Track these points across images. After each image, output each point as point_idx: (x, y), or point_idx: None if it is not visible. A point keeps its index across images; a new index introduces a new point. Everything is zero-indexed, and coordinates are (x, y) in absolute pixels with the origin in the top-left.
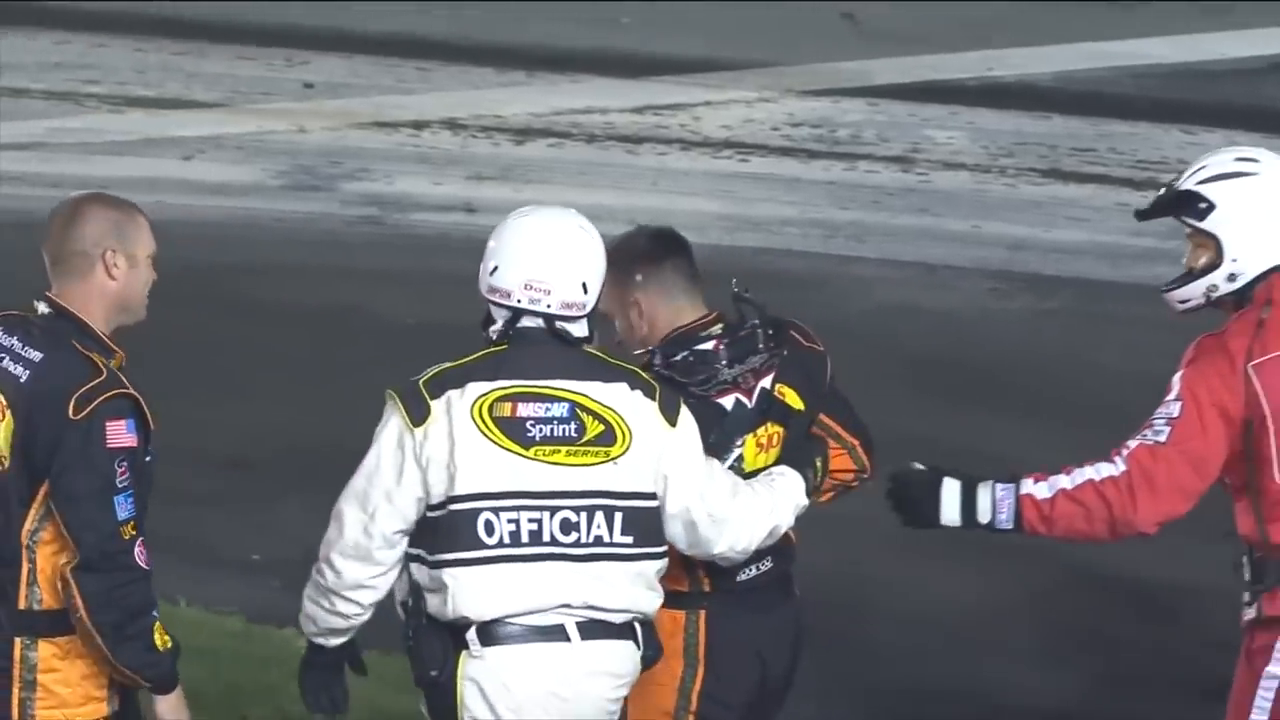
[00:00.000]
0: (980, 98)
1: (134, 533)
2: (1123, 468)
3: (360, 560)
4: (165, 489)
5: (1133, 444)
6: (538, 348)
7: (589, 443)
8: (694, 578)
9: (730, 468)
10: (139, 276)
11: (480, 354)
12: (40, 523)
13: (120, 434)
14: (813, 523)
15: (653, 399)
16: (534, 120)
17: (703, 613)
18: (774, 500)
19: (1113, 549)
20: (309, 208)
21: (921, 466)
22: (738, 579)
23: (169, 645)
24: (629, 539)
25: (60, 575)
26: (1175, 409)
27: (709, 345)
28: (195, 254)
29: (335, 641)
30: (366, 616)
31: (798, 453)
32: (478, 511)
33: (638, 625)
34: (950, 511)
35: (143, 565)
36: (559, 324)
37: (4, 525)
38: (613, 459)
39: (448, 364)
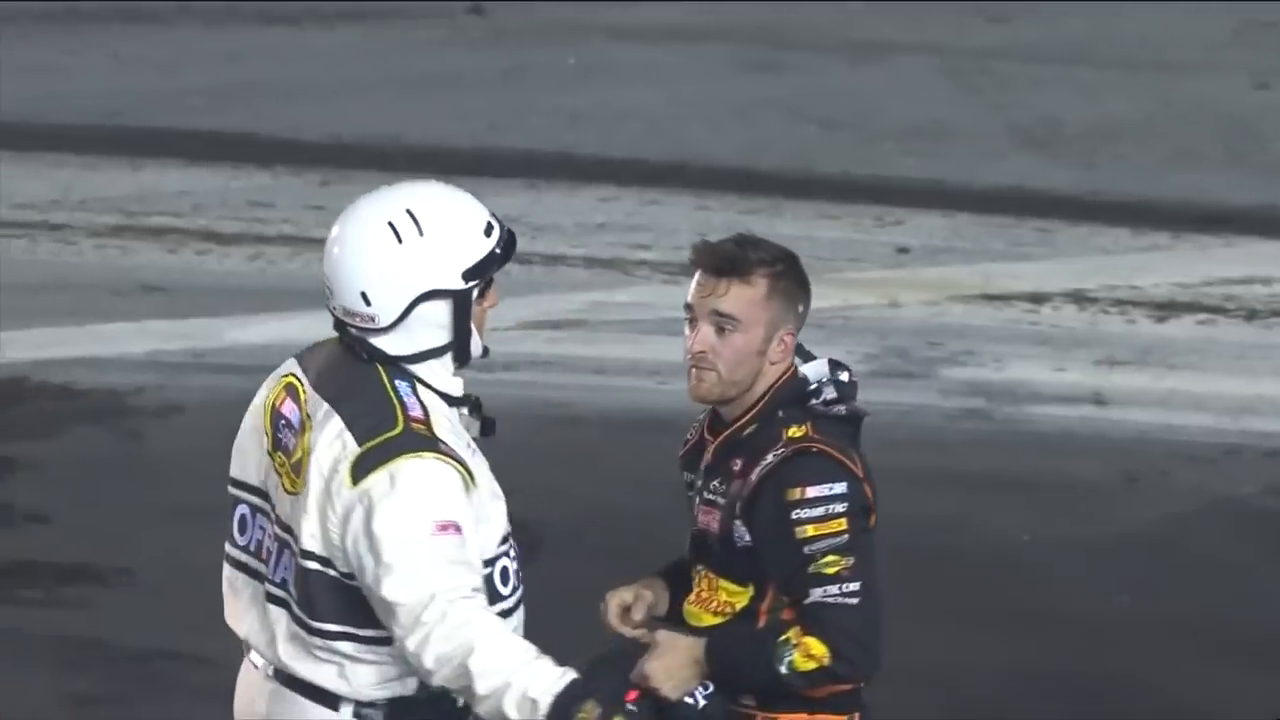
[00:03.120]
0: None
1: None
2: None
3: None
4: None
5: None
6: (334, 346)
7: (293, 467)
8: None
9: None
10: None
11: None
12: None
13: None
14: None
15: (359, 445)
16: (1179, 292)
17: (858, 715)
18: (484, 646)
19: None
20: (902, 398)
21: None
22: None
23: None
24: (299, 596)
25: None
26: None
27: (846, 376)
28: None
29: None
30: None
31: (603, 673)
32: (236, 501)
33: (344, 701)
34: None
35: None
36: (353, 331)
37: None
38: (296, 494)
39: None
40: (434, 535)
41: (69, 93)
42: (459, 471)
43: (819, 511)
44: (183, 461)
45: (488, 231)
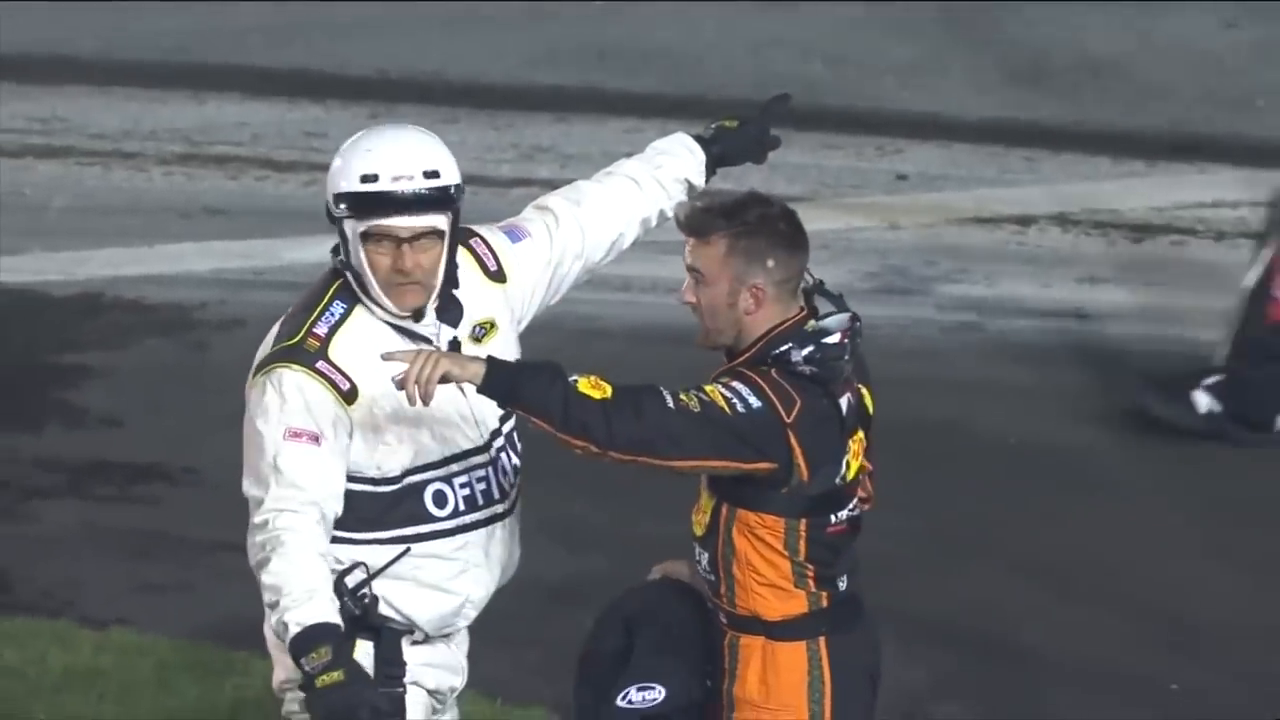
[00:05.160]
0: None
1: None
2: None
3: None
4: None
5: None
6: None
7: None
8: (810, 593)
9: (842, 474)
10: None
11: None
12: None
13: None
14: None
15: (268, 348)
16: (1154, 216)
17: (823, 640)
18: (277, 563)
19: None
20: (901, 312)
21: None
22: (841, 589)
23: None
24: None
25: None
26: None
27: (835, 339)
28: None
29: None
30: None
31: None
32: None
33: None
34: None
35: None
36: None
37: None
38: None
39: None
40: (285, 440)
41: (139, 32)
42: (326, 387)
43: (725, 393)
44: (243, 370)
45: (367, 180)
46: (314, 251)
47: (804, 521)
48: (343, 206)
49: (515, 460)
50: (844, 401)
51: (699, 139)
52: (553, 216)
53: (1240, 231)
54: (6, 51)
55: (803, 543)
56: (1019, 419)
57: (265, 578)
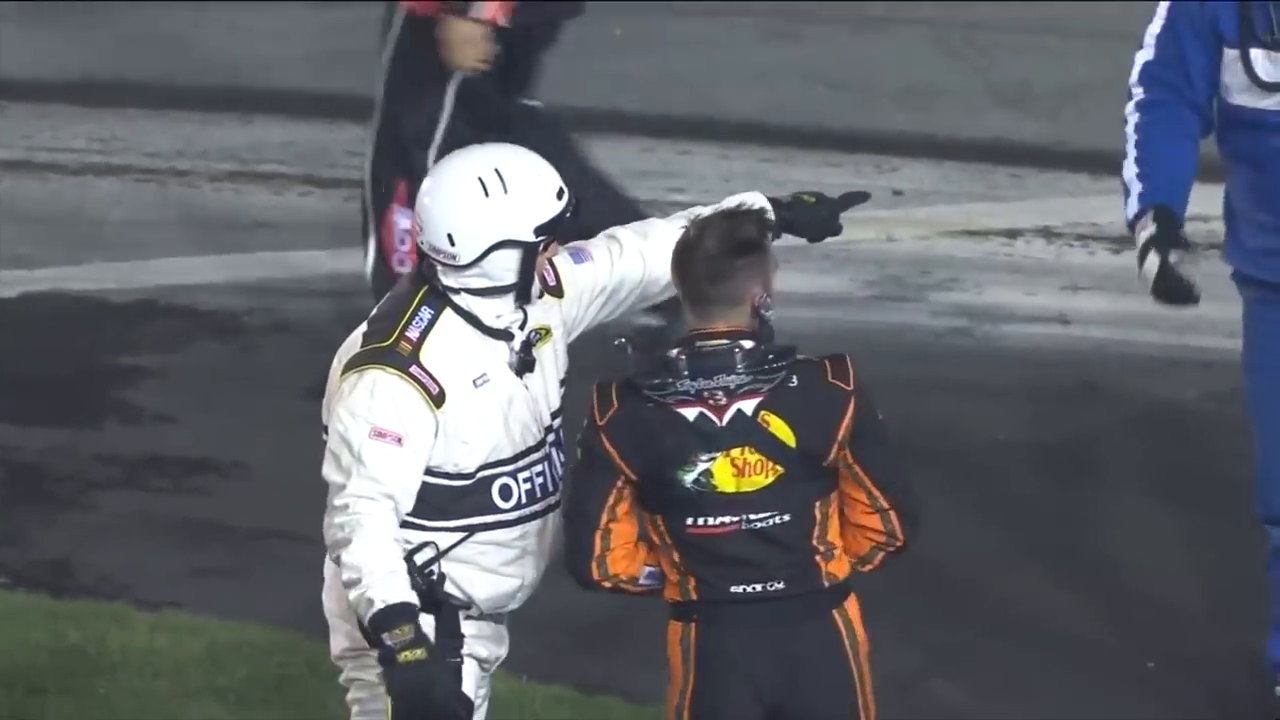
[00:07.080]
0: None
1: None
2: None
3: None
4: None
5: None
6: (410, 273)
7: None
8: (684, 587)
9: (695, 481)
10: None
11: None
12: None
13: None
14: None
15: (360, 347)
16: None
17: (694, 625)
18: (358, 545)
19: None
20: (897, 319)
21: None
22: (730, 590)
23: None
24: None
25: None
26: None
27: (673, 353)
28: None
29: None
30: None
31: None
32: None
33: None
34: None
35: None
36: (433, 263)
37: None
38: None
39: None
40: (369, 438)
41: (192, 59)
42: (418, 391)
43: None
44: (288, 371)
45: (559, 195)
46: (353, 262)
47: (660, 518)
48: (544, 235)
49: (562, 455)
50: (689, 412)
51: (774, 202)
52: (618, 245)
53: (1211, 243)
54: (70, 77)
55: (667, 538)
56: (1006, 416)
57: (346, 557)
